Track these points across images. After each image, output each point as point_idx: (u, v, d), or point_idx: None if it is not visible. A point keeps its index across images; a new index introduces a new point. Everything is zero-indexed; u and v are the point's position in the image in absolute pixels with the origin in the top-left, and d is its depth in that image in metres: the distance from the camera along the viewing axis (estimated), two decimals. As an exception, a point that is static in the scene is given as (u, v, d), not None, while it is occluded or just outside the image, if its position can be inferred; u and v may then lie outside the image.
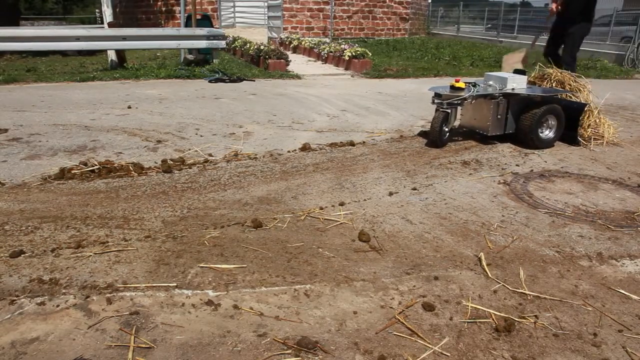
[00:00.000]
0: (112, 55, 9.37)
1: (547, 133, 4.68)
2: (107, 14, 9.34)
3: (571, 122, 4.69)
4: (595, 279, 2.36)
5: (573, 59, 6.11)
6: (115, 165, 3.72)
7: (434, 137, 4.49)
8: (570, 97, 4.90)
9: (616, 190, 3.57)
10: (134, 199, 3.15)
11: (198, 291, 2.15)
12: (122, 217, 2.87)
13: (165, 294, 2.12)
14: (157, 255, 2.44)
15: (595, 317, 2.06)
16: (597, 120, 4.98)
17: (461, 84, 4.46)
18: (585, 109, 4.80)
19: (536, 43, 7.20)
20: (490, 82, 4.69)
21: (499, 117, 4.62)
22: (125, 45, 8.98)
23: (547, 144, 4.66)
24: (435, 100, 4.50)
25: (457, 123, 4.79)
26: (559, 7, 5.76)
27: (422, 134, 5.01)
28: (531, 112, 4.56)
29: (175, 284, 2.19)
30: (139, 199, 3.15)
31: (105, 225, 2.76)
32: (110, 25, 9.25)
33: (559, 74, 5.19)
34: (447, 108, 4.43)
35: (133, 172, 3.62)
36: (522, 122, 4.62)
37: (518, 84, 4.62)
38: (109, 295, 2.09)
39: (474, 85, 4.57)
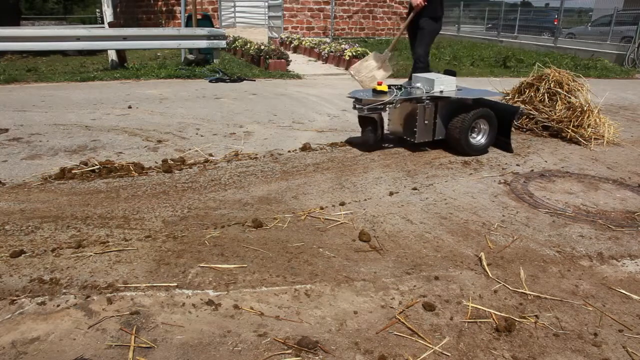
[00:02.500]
0: (112, 55, 9.37)
1: (478, 138, 4.37)
2: (108, 13, 9.34)
3: (504, 127, 4.40)
4: (596, 279, 2.36)
5: (426, 54, 5.96)
6: (116, 165, 3.72)
7: (364, 141, 4.33)
8: (503, 101, 4.65)
9: (617, 190, 3.57)
10: (135, 199, 3.15)
11: (198, 291, 2.15)
12: (123, 217, 2.87)
13: (166, 294, 2.12)
14: (158, 255, 2.44)
15: (595, 317, 2.06)
16: (598, 120, 4.98)
17: (384, 87, 4.17)
18: (519, 112, 4.56)
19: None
20: (418, 85, 4.40)
21: (426, 122, 4.24)
22: (126, 45, 8.97)
23: (479, 150, 4.37)
24: (356, 106, 4.13)
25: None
26: (423, 3, 5.55)
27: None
28: (460, 116, 4.22)
29: (175, 284, 2.19)
30: (139, 199, 3.15)
31: (106, 225, 2.76)
32: (111, 25, 9.26)
33: (557, 74, 5.18)
34: (369, 114, 4.11)
35: (133, 172, 3.62)
36: (451, 127, 4.30)
37: (447, 86, 4.31)
38: (109, 295, 2.09)
39: (400, 88, 4.31)
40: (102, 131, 4.81)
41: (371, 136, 4.29)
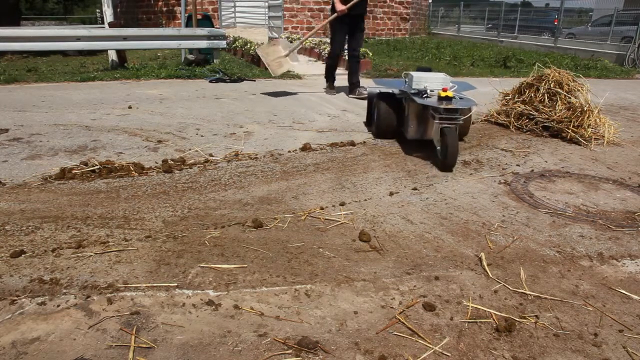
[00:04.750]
0: (112, 55, 9.36)
1: None
2: (108, 14, 9.34)
3: None
4: (596, 279, 2.36)
5: None
6: (116, 165, 3.72)
7: (455, 157, 3.85)
8: None
9: (617, 190, 3.57)
10: (135, 199, 3.15)
11: (199, 291, 2.15)
12: (123, 217, 2.88)
13: (166, 294, 2.12)
14: (158, 255, 2.44)
15: (596, 317, 2.06)
16: (598, 120, 4.98)
17: (450, 93, 3.95)
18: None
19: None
20: (427, 85, 4.21)
21: None
22: (126, 45, 8.97)
23: None
24: (448, 117, 3.83)
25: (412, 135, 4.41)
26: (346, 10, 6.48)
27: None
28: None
29: (175, 284, 2.19)
30: (139, 199, 3.15)
31: (106, 225, 2.76)
32: (111, 25, 9.26)
33: (557, 74, 5.18)
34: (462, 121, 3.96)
35: (134, 172, 3.62)
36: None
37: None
38: (109, 295, 2.09)
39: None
40: (102, 131, 4.81)
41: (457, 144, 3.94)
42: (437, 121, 3.88)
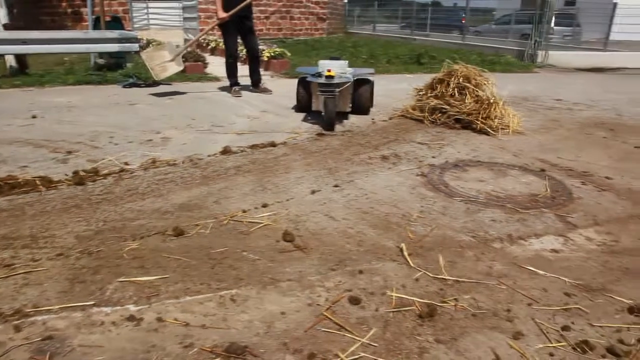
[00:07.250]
0: (11, 61, 8.63)
1: None
2: (1, 14, 8.60)
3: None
4: (507, 259, 2.53)
5: None
6: (20, 180, 3.44)
7: (333, 120, 5.07)
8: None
9: (522, 176, 3.85)
10: (43, 215, 2.93)
11: (118, 307, 2.04)
12: (30, 235, 2.67)
13: (82, 314, 2.00)
14: (71, 274, 2.29)
15: (508, 295, 2.21)
16: (503, 112, 5.33)
17: (333, 73, 5.07)
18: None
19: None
20: (338, 69, 5.32)
21: (350, 94, 5.59)
22: (27, 49, 8.29)
23: None
24: (327, 89, 4.99)
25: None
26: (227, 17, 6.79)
27: (344, 130, 5.10)
28: (366, 87, 5.75)
29: (92, 302, 2.07)
30: (48, 215, 2.94)
31: (10, 246, 2.54)
32: (7, 27, 8.55)
33: (465, 69, 5.48)
34: (337, 94, 5.04)
35: (40, 187, 3.36)
36: (360, 96, 5.73)
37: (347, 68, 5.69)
38: (16, 322, 1.93)
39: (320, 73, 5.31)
40: (2, 144, 4.43)
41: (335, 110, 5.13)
42: (319, 93, 5.17)
